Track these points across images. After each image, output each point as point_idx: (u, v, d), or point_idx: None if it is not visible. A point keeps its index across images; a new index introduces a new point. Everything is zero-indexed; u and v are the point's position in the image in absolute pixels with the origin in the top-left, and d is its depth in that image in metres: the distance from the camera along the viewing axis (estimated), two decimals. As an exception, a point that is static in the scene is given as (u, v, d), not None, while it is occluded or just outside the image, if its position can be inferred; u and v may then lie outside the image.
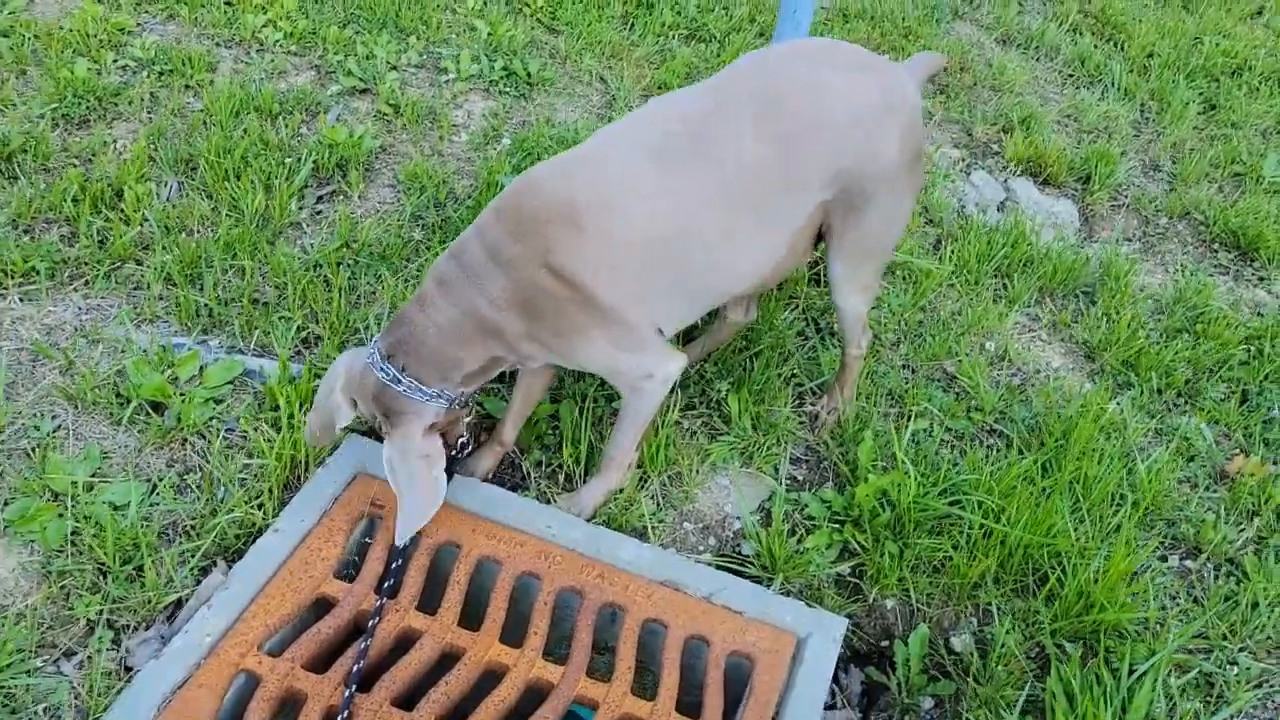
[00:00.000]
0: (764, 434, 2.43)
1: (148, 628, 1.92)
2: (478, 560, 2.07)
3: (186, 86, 3.26)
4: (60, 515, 2.01)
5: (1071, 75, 4.47)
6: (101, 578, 1.95)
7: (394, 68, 3.55)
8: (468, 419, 2.15)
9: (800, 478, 2.41)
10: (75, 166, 2.85)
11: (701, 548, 2.24)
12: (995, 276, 3.10)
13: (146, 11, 3.61)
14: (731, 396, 2.46)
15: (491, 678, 1.91)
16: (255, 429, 2.22)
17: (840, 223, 2.03)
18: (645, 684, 2.05)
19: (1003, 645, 2.06)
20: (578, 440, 2.32)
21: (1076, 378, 2.79)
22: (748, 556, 2.22)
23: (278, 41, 3.55)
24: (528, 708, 1.85)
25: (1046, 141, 3.83)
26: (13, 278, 2.49)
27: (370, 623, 1.91)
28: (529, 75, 3.59)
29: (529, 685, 1.89)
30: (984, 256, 3.11)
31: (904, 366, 2.71)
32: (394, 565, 2.00)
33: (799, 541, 2.23)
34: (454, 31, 3.82)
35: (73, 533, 1.98)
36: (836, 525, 2.26)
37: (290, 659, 1.85)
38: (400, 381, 1.96)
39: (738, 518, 2.29)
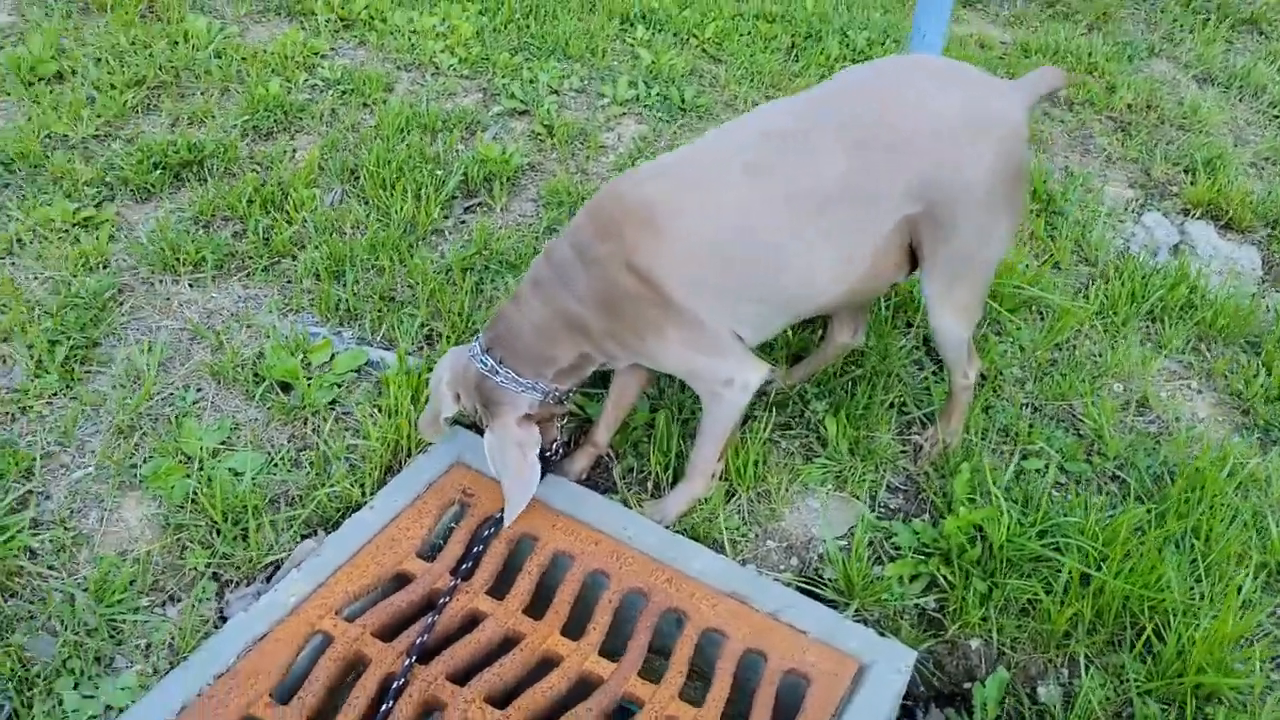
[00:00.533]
0: (861, 459, 2.38)
1: (248, 584, 2.09)
2: (552, 553, 2.13)
3: (364, 104, 3.53)
4: (187, 476, 2.21)
5: (1276, 117, 4.14)
6: (214, 535, 2.13)
7: (555, 91, 3.72)
8: (563, 421, 2.23)
9: (894, 506, 2.34)
10: (254, 172, 3.14)
11: (783, 567, 2.22)
12: (1147, 320, 2.91)
13: (342, 38, 3.95)
14: (830, 418, 2.42)
15: (546, 665, 1.95)
16: (369, 415, 2.37)
17: (930, 240, 1.98)
18: (697, 691, 2.04)
19: (1087, 699, 1.92)
20: (668, 449, 2.35)
21: (1222, 430, 2.57)
22: (828, 580, 2.17)
23: (452, 66, 3.79)
24: (576, 699, 1.88)
25: (1233, 184, 3.57)
26: (185, 266, 2.77)
27: (441, 600, 2.00)
28: (683, 101, 3.68)
29: (580, 677, 1.92)
30: (1136, 298, 2.92)
31: (1026, 405, 2.59)
32: (474, 550, 2.10)
33: (882, 569, 2.16)
34: (618, 59, 3.97)
35: (194, 492, 2.18)
36: (923, 557, 2.18)
37: (362, 625, 1.96)
38: (498, 373, 2.07)
39: (823, 541, 2.25)
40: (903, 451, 2.44)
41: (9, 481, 2.18)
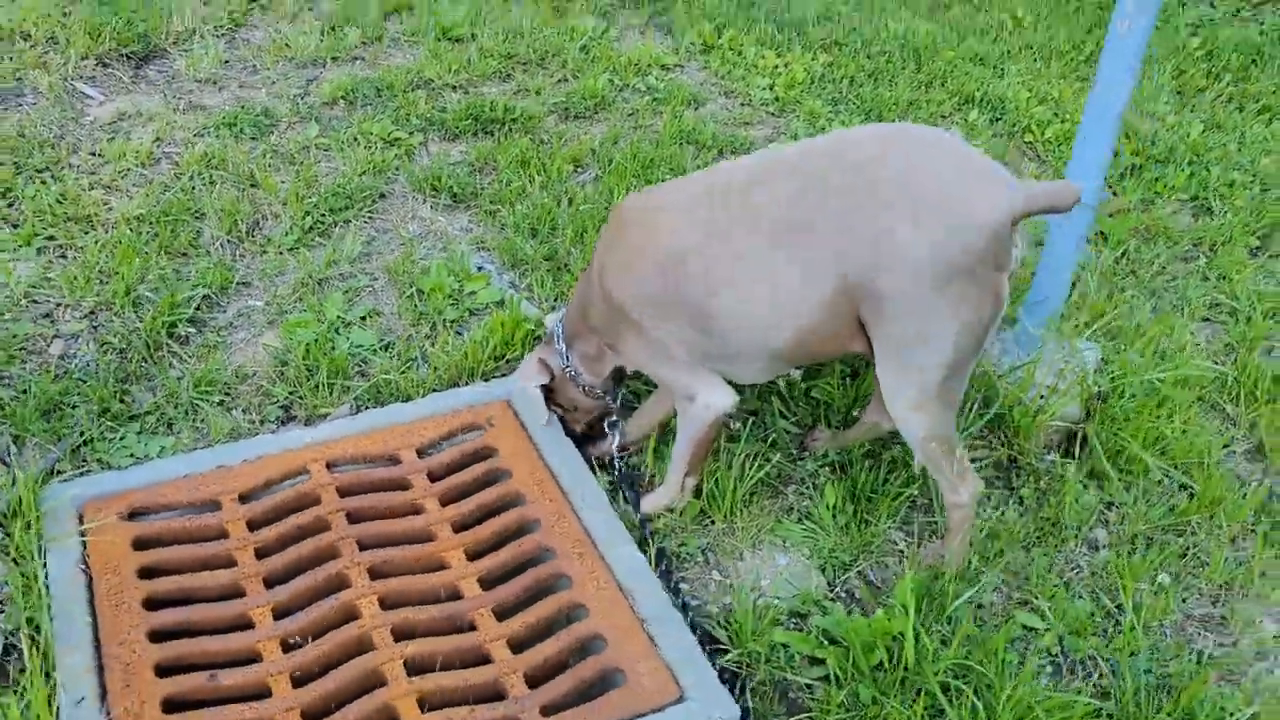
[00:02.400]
0: (849, 539, 2.29)
1: (302, 422, 2.56)
2: (508, 492, 2.35)
3: (661, 112, 3.91)
4: (312, 332, 2.74)
5: None
6: (303, 377, 2.63)
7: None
8: (613, 410, 2.44)
9: (852, 591, 2.23)
10: (544, 142, 3.66)
11: (709, 600, 2.23)
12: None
13: (695, 58, 4.37)
14: (830, 488, 2.35)
15: (433, 567, 2.19)
16: (468, 340, 2.75)
17: (871, 315, 1.91)
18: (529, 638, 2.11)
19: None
20: (665, 455, 2.44)
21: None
22: (730, 624, 2.15)
23: (764, 101, 4.05)
24: (433, 599, 2.11)
25: None
26: (434, 193, 3.35)
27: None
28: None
29: (451, 589, 2.14)
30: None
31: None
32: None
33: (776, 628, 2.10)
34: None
35: (309, 345, 2.69)
36: (827, 642, 2.07)
37: (334, 478, 2.34)
38: (559, 336, 2.38)
39: (762, 594, 2.22)
40: (890, 541, 2.30)
41: (215, 289, 2.87)
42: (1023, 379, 2.56)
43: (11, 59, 3.79)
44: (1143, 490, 2.46)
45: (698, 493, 2.35)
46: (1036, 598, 2.21)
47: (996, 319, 1.90)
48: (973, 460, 2.51)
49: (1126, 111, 2.31)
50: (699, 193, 2.06)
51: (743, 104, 4.06)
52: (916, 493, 2.41)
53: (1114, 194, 3.61)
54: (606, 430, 2.47)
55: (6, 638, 2.00)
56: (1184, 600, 2.27)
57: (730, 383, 2.19)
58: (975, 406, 2.52)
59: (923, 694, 1.94)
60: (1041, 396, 2.53)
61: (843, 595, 2.23)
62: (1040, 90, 4.26)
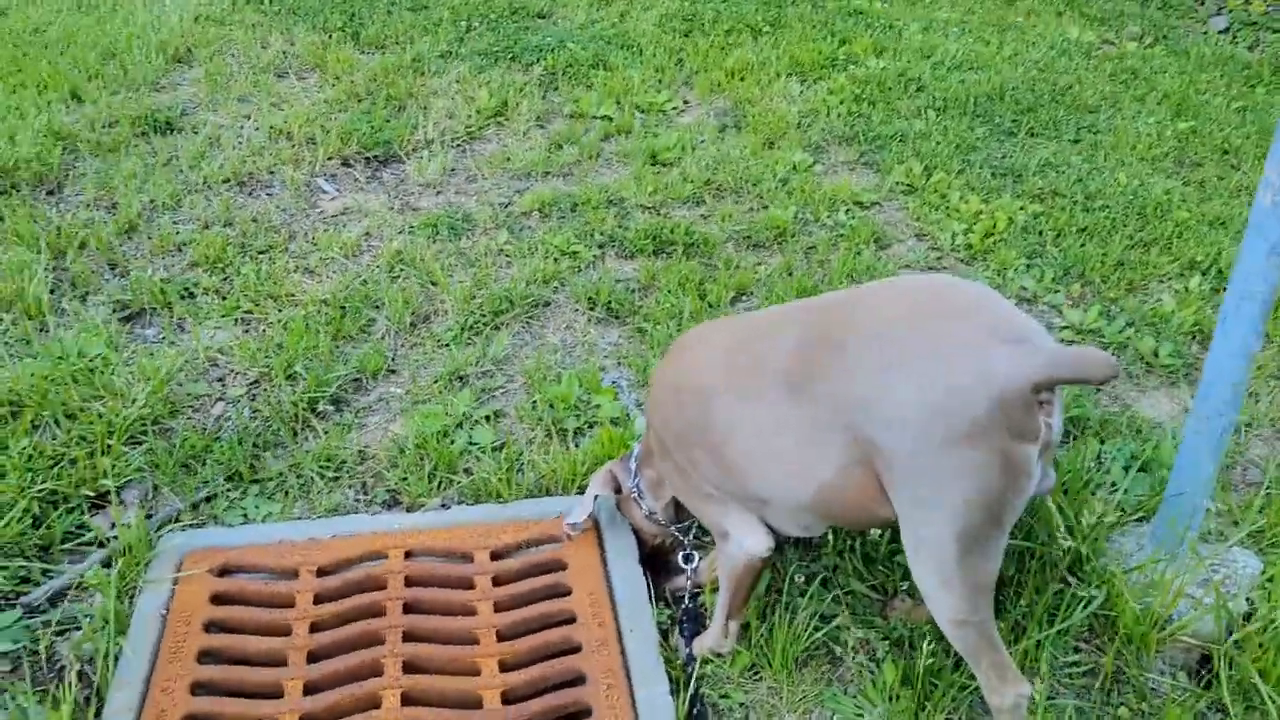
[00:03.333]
0: (904, 725, 2.08)
1: (389, 505, 2.69)
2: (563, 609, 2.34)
3: (841, 248, 3.85)
4: (439, 425, 2.88)
5: None
6: (415, 466, 2.76)
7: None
8: (685, 545, 2.41)
9: (891, 790, 2.01)
10: (714, 267, 3.71)
11: (741, 761, 2.09)
12: None
13: (896, 199, 4.28)
14: (890, 665, 2.15)
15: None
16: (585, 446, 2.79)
17: (885, 478, 1.78)
18: None
19: None
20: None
21: None
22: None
23: (953, 246, 3.89)
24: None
25: None
26: (595, 308, 3.46)
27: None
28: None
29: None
30: None
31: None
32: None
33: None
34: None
35: (437, 435, 2.83)
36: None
37: (405, 567, 2.43)
38: (633, 462, 2.41)
39: (796, 767, 2.06)
40: (951, 747, 2.06)
41: (367, 374, 3.09)
42: (1152, 580, 2.26)
43: (272, 155, 4.34)
44: (1275, 736, 2.08)
45: (747, 640, 2.23)
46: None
47: (1019, 493, 1.73)
48: (1070, 664, 2.22)
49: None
50: (741, 331, 2.02)
51: (931, 248, 3.92)
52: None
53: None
54: (682, 565, 2.41)
55: (81, 664, 2.20)
56: None
57: (778, 534, 2.09)
58: (1083, 604, 2.24)
59: None
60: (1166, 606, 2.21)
61: (883, 788, 2.03)
62: None
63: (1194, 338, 3.44)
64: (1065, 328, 3.46)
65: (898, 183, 4.36)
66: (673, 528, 2.38)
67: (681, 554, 2.41)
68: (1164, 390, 3.21)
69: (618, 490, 2.41)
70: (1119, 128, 4.95)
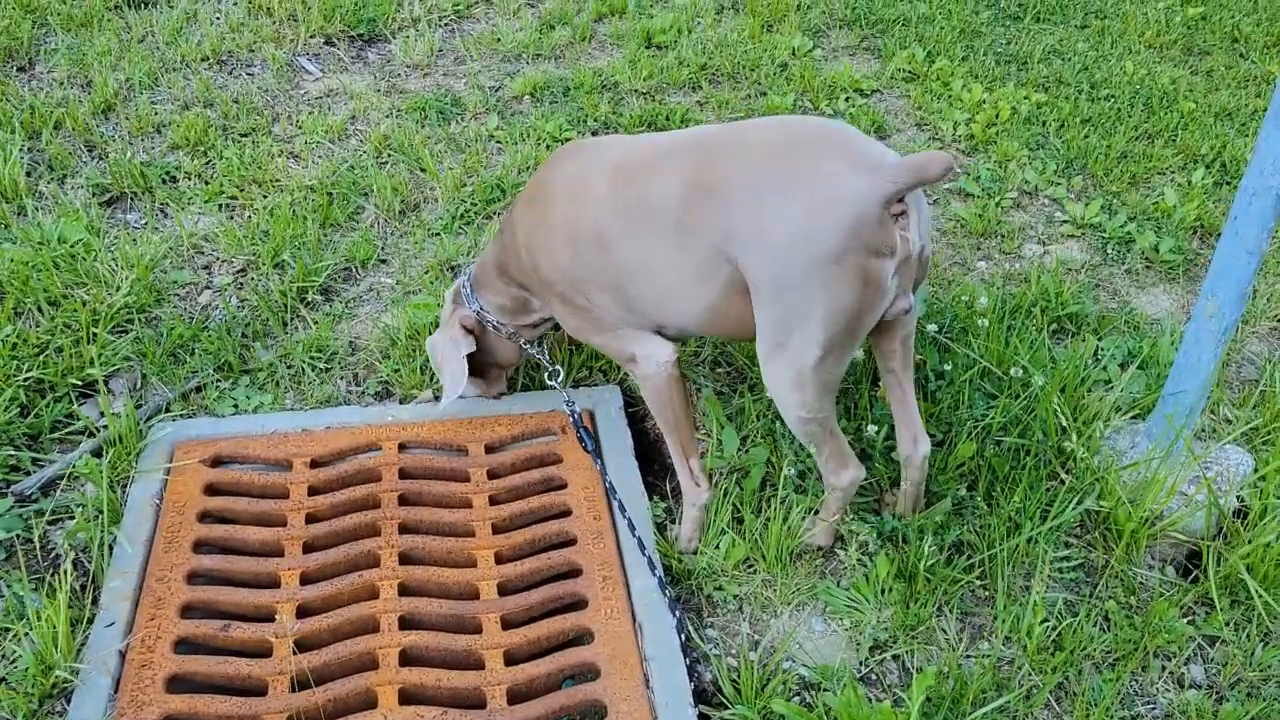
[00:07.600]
0: (895, 622, 2.11)
1: (387, 397, 2.66)
2: (558, 505, 2.34)
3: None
4: (431, 316, 2.83)
5: None
6: (404, 359, 2.73)
7: (1029, 194, 3.52)
8: (536, 356, 2.50)
9: (886, 678, 2.05)
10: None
11: (732, 650, 2.12)
12: None
13: (897, 86, 4.16)
14: (883, 559, 2.17)
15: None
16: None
17: (753, 294, 1.93)
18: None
19: None
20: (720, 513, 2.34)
21: None
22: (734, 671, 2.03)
23: (954, 138, 3.80)
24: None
25: None
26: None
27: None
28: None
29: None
30: None
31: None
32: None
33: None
34: (1151, 196, 3.57)
35: (418, 327, 2.79)
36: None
37: (400, 456, 2.42)
38: (466, 288, 2.46)
39: (789, 658, 2.09)
40: (944, 636, 2.09)
41: (356, 263, 3.03)
42: (1143, 478, 2.27)
43: (252, 32, 4.17)
44: (1257, 630, 2.12)
45: (742, 534, 2.25)
46: (1095, 726, 1.95)
47: (874, 306, 1.88)
48: (1061, 559, 2.25)
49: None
50: (621, 161, 2.08)
51: (932, 138, 3.83)
52: (978, 582, 2.18)
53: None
54: (550, 383, 2.49)
55: (75, 553, 2.20)
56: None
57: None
58: (1076, 499, 2.25)
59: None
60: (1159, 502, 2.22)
61: (873, 676, 2.06)
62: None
63: (1195, 233, 3.40)
64: (1066, 221, 3.41)
65: (899, 69, 4.23)
66: (530, 349, 2.48)
67: (547, 373, 2.50)
68: (1162, 287, 3.18)
69: (470, 331, 2.44)
70: (1127, 13, 4.80)
